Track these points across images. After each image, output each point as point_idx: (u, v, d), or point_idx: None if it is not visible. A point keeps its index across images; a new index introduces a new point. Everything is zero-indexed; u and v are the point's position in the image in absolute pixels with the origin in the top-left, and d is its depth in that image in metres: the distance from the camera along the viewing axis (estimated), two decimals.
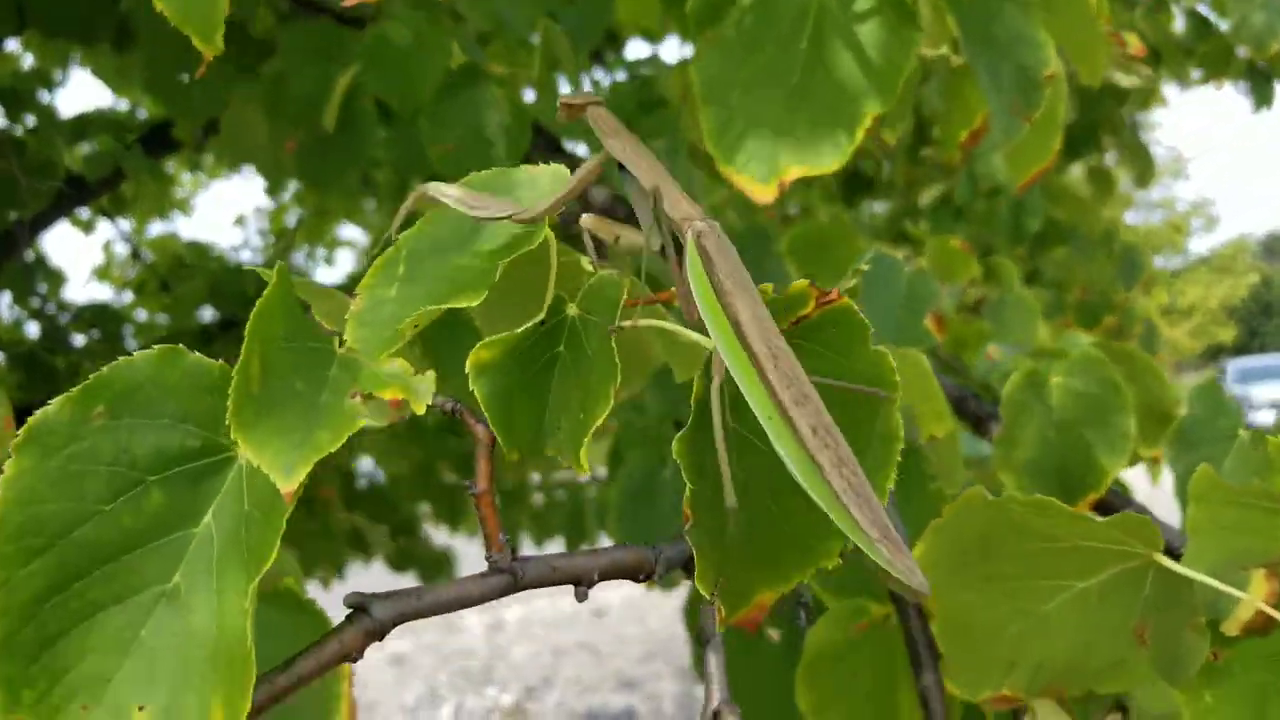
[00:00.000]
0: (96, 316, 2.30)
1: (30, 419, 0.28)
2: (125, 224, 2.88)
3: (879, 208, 2.65)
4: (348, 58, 1.08)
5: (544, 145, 0.96)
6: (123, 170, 2.27)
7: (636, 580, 0.33)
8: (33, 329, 2.29)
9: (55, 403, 0.28)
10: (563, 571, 0.31)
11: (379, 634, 0.29)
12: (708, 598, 0.32)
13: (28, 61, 2.34)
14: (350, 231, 3.70)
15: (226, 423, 0.27)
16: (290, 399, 0.28)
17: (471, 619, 5.56)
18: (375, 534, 2.20)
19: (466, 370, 0.31)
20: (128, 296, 2.85)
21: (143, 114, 2.52)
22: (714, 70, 0.65)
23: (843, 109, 0.63)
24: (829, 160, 0.62)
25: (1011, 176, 0.88)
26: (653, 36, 1.69)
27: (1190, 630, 0.39)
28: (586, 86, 2.41)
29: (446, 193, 0.36)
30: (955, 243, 1.27)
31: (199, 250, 2.75)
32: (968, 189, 1.80)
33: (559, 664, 4.73)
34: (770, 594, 0.34)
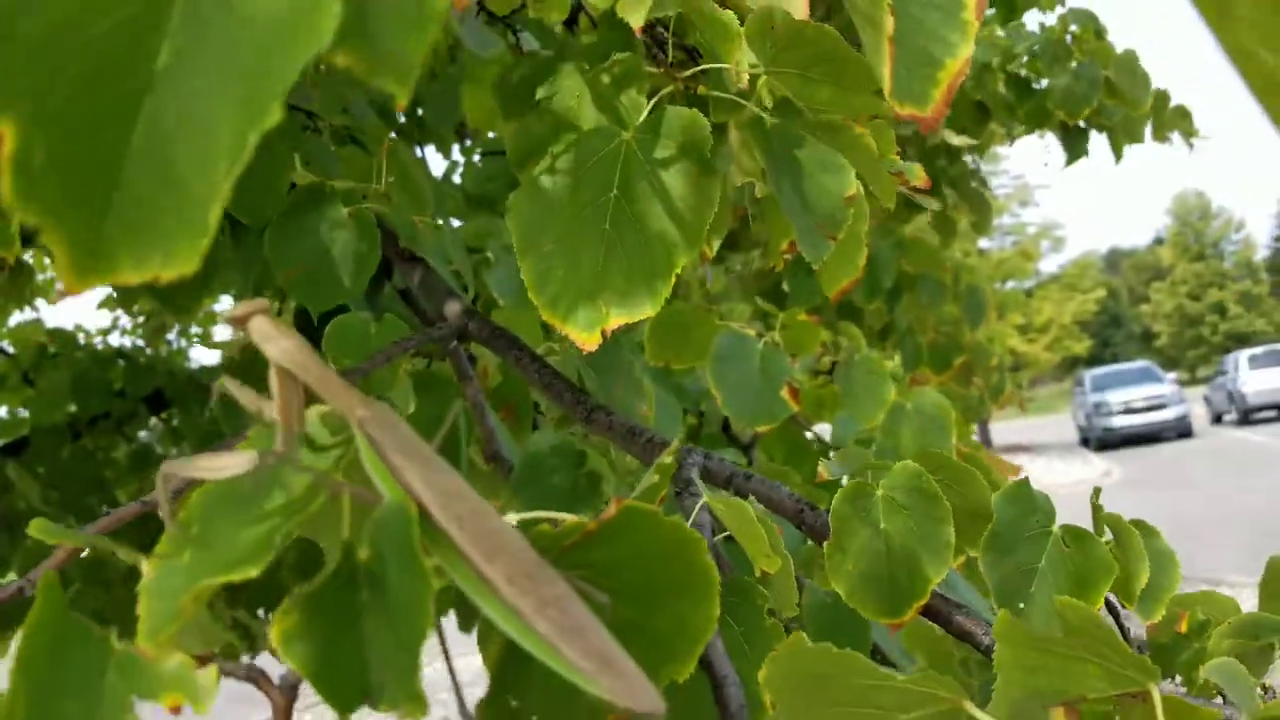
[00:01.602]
0: None
1: None
2: None
3: (744, 258, 2.73)
4: None
5: (399, 255, 0.97)
6: None
7: None
8: None
9: None
10: None
11: None
12: None
13: None
14: (227, 302, 3.57)
15: None
16: (66, 714, 0.28)
17: None
18: (260, 626, 2.13)
19: (274, 641, 0.29)
20: None
21: None
22: (528, 218, 0.67)
23: (654, 257, 0.66)
24: (647, 307, 0.65)
25: (824, 288, 0.93)
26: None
27: None
28: (458, 157, 2.40)
29: (186, 469, 0.35)
30: (802, 316, 1.33)
31: (63, 338, 2.62)
32: None
33: None
34: None
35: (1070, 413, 17.39)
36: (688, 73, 0.75)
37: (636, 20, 0.60)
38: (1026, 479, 0.70)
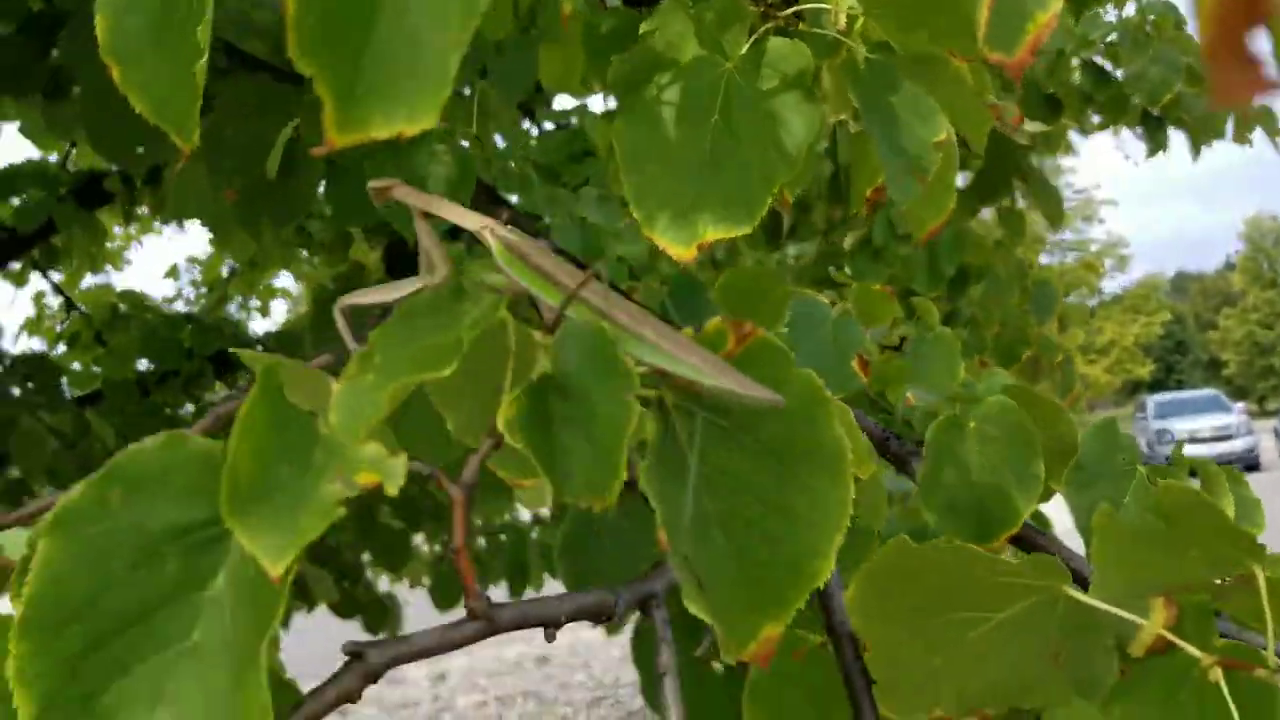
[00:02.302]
0: (32, 368, 2.27)
1: (56, 506, 0.31)
2: (57, 276, 2.84)
3: (801, 248, 2.73)
4: (287, 111, 1.11)
5: (485, 197, 0.99)
6: (54, 222, 2.24)
7: (598, 622, 0.37)
8: None
9: (77, 489, 0.31)
10: (533, 616, 0.35)
11: (375, 677, 0.32)
12: (708, 622, 0.34)
13: None
14: (284, 280, 3.68)
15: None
16: (277, 487, 0.31)
17: (414, 670, 5.46)
18: (319, 581, 2.18)
19: (500, 427, 0.34)
20: (60, 349, 2.79)
21: (72, 166, 2.49)
22: (632, 141, 0.69)
23: (752, 178, 0.68)
24: (744, 223, 0.66)
25: (912, 230, 0.94)
26: (577, 95, 1.75)
27: (1100, 652, 0.44)
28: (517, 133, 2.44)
29: (362, 297, 0.42)
30: (877, 287, 1.33)
31: (134, 299, 2.72)
32: (885, 232, 1.88)
33: (505, 713, 4.67)
34: (775, 626, 0.36)
35: None
36: (787, 11, 0.76)
37: None
38: (1114, 418, 0.70)
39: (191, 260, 3.71)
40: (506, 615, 0.34)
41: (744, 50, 0.71)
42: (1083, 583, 0.64)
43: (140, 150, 1.44)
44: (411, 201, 0.43)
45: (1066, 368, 2.20)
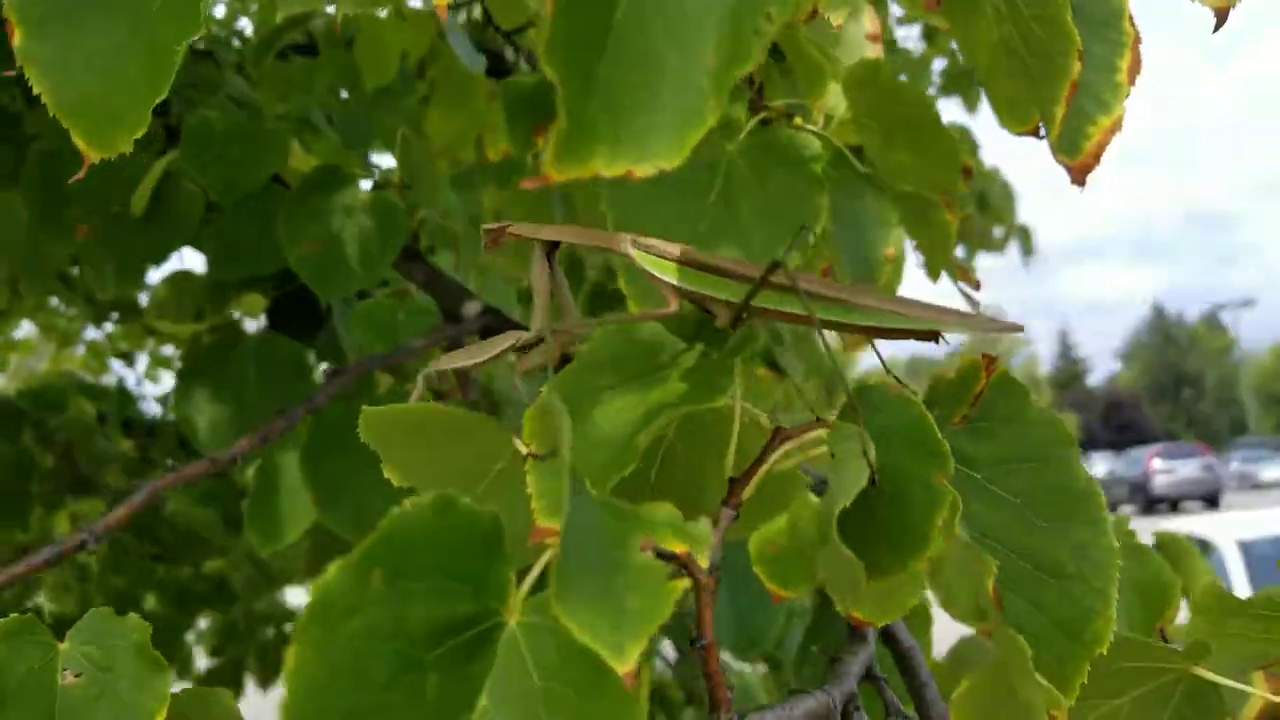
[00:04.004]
0: None
1: (312, 593, 0.24)
2: None
3: None
4: (162, 142, 0.99)
5: (404, 256, 0.92)
6: None
7: None
8: None
9: (333, 570, 0.25)
10: None
11: None
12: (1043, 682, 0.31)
13: None
14: (26, 329, 3.24)
15: (494, 582, 0.27)
16: (584, 561, 0.26)
17: None
18: None
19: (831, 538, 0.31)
20: None
21: None
22: (625, 210, 0.67)
23: (753, 256, 0.66)
24: None
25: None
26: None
27: None
28: None
29: (453, 361, 0.40)
30: (762, 371, 1.34)
31: None
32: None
33: None
34: (1060, 710, 0.34)
35: None
36: (779, 104, 0.76)
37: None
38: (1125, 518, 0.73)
39: None
40: None
41: (744, 135, 0.69)
42: None
43: None
44: (537, 236, 0.39)
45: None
